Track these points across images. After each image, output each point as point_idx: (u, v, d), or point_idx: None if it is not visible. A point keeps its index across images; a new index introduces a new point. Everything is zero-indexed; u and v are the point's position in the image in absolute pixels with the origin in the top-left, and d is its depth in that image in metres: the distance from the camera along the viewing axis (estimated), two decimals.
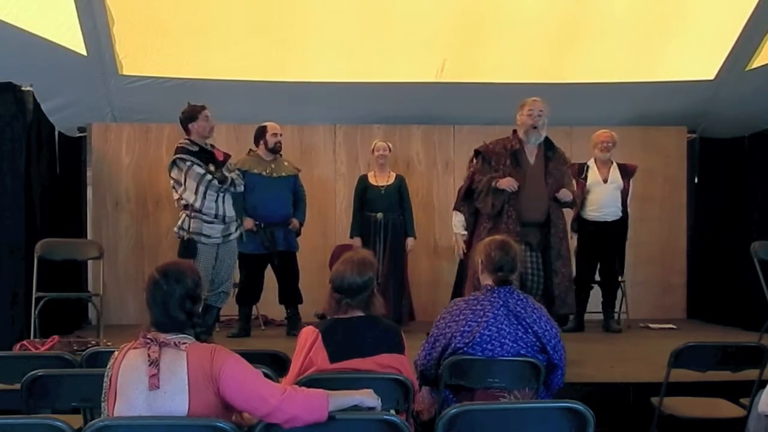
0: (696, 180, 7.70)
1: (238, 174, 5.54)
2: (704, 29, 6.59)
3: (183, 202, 5.29)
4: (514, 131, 4.91)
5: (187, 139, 5.36)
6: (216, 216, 5.29)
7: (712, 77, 6.99)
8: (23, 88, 5.56)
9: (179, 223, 5.34)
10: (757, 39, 6.49)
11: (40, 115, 5.95)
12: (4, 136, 5.41)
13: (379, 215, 6.28)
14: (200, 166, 5.24)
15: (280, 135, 6.11)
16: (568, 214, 5.72)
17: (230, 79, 6.75)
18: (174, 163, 5.29)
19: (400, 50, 6.68)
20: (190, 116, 5.34)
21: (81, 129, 7.14)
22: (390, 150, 6.47)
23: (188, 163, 5.23)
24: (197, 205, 5.23)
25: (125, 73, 6.65)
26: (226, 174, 5.34)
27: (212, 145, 5.48)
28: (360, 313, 2.93)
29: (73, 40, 6.15)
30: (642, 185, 6.95)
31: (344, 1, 6.37)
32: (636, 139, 7.38)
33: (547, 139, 4.91)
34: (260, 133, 6.09)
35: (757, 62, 6.66)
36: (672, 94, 7.14)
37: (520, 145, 4.84)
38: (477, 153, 5.02)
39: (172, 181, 5.35)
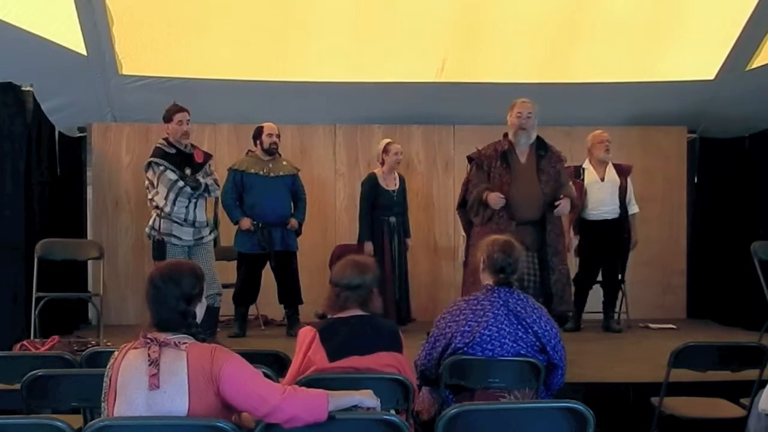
0: (696, 180, 7.70)
1: (215, 179, 5.47)
2: (704, 29, 6.59)
3: (154, 203, 5.28)
4: (505, 134, 4.95)
5: (165, 140, 5.34)
6: (185, 220, 5.27)
7: (712, 77, 6.98)
8: (23, 88, 5.56)
9: (150, 222, 5.32)
10: (757, 39, 6.49)
11: (40, 115, 5.95)
12: (4, 136, 5.41)
13: (392, 219, 6.23)
14: (173, 172, 5.21)
15: (277, 136, 6.06)
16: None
17: (230, 79, 6.75)
18: (149, 164, 5.29)
19: (400, 50, 6.68)
20: (166, 117, 5.32)
21: (81, 129, 7.15)
22: None
23: (161, 168, 5.22)
24: (167, 209, 5.22)
25: (125, 73, 6.64)
26: (201, 180, 5.30)
27: (193, 145, 5.44)
28: (358, 311, 2.94)
29: (73, 40, 6.14)
30: (642, 185, 6.95)
31: (344, 1, 6.37)
32: (636, 139, 7.38)
33: (539, 139, 4.93)
34: (257, 134, 6.08)
35: (757, 62, 6.66)
36: (672, 94, 7.14)
37: (510, 146, 4.87)
38: (470, 160, 5.06)
39: (146, 181, 5.36)
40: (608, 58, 6.84)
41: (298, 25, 6.45)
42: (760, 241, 5.70)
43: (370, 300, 2.96)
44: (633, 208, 6.44)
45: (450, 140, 7.42)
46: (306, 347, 2.86)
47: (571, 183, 5.21)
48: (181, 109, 5.31)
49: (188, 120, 5.32)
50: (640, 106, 7.28)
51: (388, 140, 6.45)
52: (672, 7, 6.51)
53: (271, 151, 6.05)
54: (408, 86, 6.89)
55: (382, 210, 6.22)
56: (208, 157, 5.49)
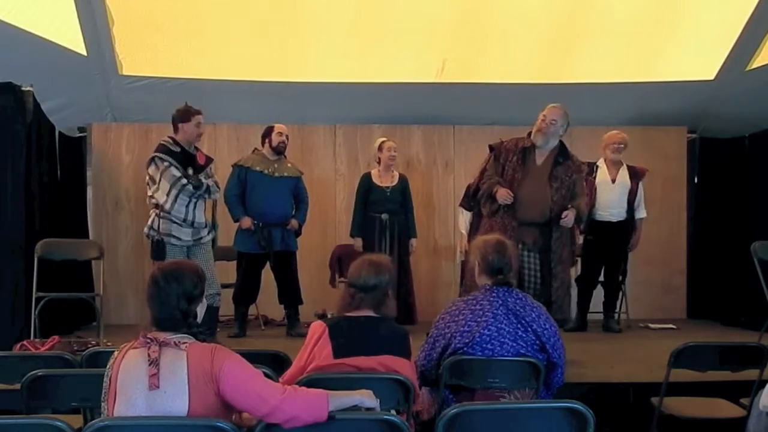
0: (696, 180, 7.70)
1: (215, 181, 5.47)
2: (704, 29, 6.59)
3: (154, 201, 5.25)
4: (530, 132, 4.94)
5: (171, 138, 5.31)
6: (184, 220, 5.24)
7: (712, 77, 6.98)
8: (23, 88, 5.56)
9: (149, 223, 5.29)
10: (757, 39, 6.49)
11: (40, 115, 5.95)
12: (4, 136, 5.41)
13: (384, 216, 6.26)
14: (177, 169, 5.19)
15: (286, 137, 6.09)
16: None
17: (230, 79, 6.75)
18: (152, 160, 5.25)
19: (400, 50, 6.68)
20: (182, 116, 5.28)
21: (81, 129, 7.15)
22: None
23: (165, 163, 5.19)
24: (167, 207, 5.18)
25: (125, 73, 6.64)
26: (203, 180, 5.29)
27: (196, 147, 5.42)
28: (370, 312, 2.95)
29: (73, 40, 6.14)
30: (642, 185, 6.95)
31: (344, 1, 6.37)
32: (636, 139, 7.35)
33: (563, 146, 4.92)
34: (267, 132, 6.09)
35: (757, 62, 6.66)
36: (672, 94, 7.14)
37: (531, 145, 4.87)
38: (491, 149, 5.05)
39: (147, 178, 5.32)
40: (608, 58, 6.84)
41: (298, 25, 6.45)
42: (760, 241, 5.70)
43: (384, 303, 2.97)
44: (641, 213, 6.42)
45: (450, 140, 7.42)
46: (315, 341, 2.89)
47: (585, 197, 5.16)
48: (199, 111, 5.30)
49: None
50: (640, 106, 7.28)
51: (383, 138, 6.51)
52: (672, 7, 6.51)
53: (279, 150, 6.05)
54: (408, 86, 6.89)
55: (373, 206, 6.28)
56: (209, 160, 5.49)
